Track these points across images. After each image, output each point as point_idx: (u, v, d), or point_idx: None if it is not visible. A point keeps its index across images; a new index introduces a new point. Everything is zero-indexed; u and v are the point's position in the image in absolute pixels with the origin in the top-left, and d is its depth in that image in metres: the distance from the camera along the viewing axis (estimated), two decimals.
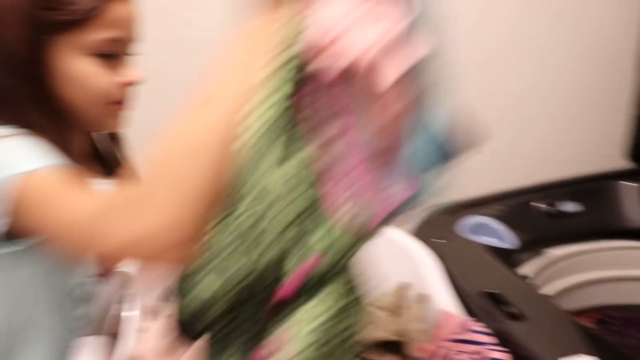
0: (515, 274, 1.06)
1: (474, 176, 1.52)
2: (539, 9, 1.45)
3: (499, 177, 1.53)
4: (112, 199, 0.55)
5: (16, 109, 0.68)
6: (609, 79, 1.54)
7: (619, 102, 1.54)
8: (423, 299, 0.93)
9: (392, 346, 0.93)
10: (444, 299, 0.89)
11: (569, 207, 1.32)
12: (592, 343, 0.80)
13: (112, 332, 0.73)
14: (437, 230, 1.20)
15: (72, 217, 0.56)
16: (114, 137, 0.85)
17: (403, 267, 1.02)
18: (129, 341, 0.77)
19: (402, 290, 1.00)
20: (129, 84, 0.74)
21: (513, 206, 1.33)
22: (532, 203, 1.33)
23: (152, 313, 0.89)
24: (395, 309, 0.98)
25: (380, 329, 0.92)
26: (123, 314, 0.79)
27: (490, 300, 0.91)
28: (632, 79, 1.36)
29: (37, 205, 0.61)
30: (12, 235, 0.64)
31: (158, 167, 0.51)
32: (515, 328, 0.83)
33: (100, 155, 0.85)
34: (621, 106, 1.53)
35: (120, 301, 0.77)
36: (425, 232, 1.20)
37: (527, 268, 1.19)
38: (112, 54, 0.71)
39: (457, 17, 1.34)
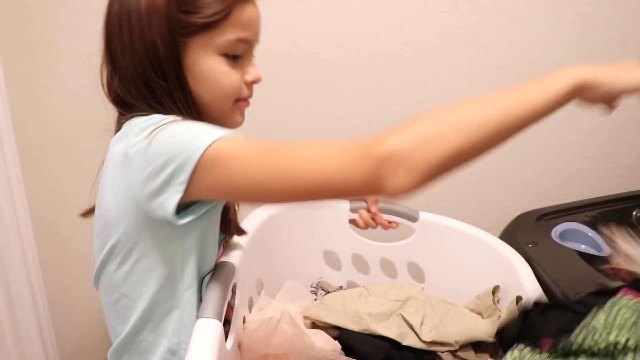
0: (609, 280, 1.02)
1: (571, 183, 1.51)
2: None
3: (599, 185, 1.53)
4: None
5: (165, 103, 0.75)
6: None
7: None
8: (518, 300, 0.94)
9: (487, 346, 0.94)
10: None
11: None
12: None
13: (226, 318, 0.79)
14: (529, 235, 1.20)
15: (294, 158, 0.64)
16: None
17: (498, 271, 1.03)
18: (237, 328, 0.83)
19: (497, 292, 1.01)
20: (254, 81, 0.81)
21: (608, 213, 1.30)
22: (629, 211, 1.30)
23: (249, 304, 0.95)
24: (490, 311, 0.99)
25: (476, 330, 0.94)
26: (234, 302, 0.85)
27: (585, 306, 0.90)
28: None
29: (228, 161, 0.66)
30: (181, 209, 0.70)
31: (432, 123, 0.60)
32: None
33: None
34: None
35: (232, 290, 0.83)
36: (518, 236, 1.21)
37: None
38: (239, 54, 0.78)
39: (563, 21, 1.34)
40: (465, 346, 0.93)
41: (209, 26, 0.74)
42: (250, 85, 0.81)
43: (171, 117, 0.72)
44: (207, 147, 0.65)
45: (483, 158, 0.62)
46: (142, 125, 0.71)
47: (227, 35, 0.75)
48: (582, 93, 0.66)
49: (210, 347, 0.68)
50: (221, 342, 0.71)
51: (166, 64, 0.73)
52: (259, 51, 0.84)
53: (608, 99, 0.69)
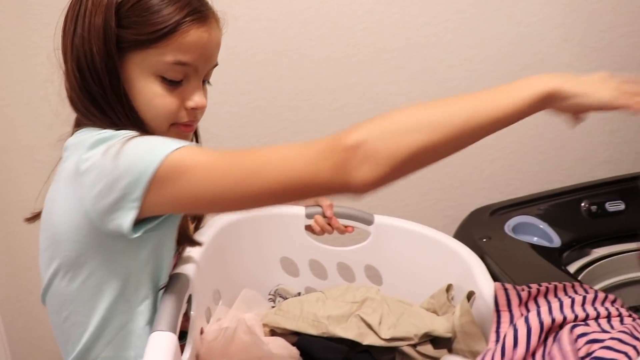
0: (557, 269, 1.07)
1: (523, 177, 1.55)
2: (583, 11, 1.46)
3: (549, 178, 1.57)
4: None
5: (105, 110, 0.74)
6: None
7: None
8: (470, 295, 0.96)
9: (444, 342, 0.96)
10: (490, 295, 0.92)
11: (614, 206, 1.32)
12: None
13: (183, 330, 0.79)
14: (483, 230, 1.23)
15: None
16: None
17: (453, 269, 1.05)
18: (194, 340, 0.83)
19: (450, 290, 1.04)
20: (194, 108, 0.78)
21: (559, 206, 1.34)
22: (577, 203, 1.33)
23: (207, 315, 0.95)
24: (445, 308, 1.01)
25: (433, 326, 0.96)
26: (190, 313, 0.85)
27: None
28: None
29: (185, 174, 0.66)
30: (137, 222, 0.69)
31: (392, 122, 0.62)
32: None
33: None
34: None
35: (188, 301, 0.83)
36: (471, 232, 1.24)
37: (572, 267, 1.19)
38: (179, 78, 0.76)
39: (509, 21, 1.37)
40: (423, 342, 0.95)
41: (144, 44, 0.73)
42: (191, 111, 0.79)
43: (124, 132, 0.71)
44: (162, 161, 0.65)
45: (447, 157, 0.65)
46: (94, 139, 0.70)
47: (165, 57, 0.73)
48: (552, 102, 0.67)
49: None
50: (176, 354, 0.71)
51: (102, 74, 0.73)
52: None
53: (577, 111, 0.71)
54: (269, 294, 1.14)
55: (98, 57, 0.72)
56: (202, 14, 0.75)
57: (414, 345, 0.94)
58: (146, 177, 0.64)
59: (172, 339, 0.70)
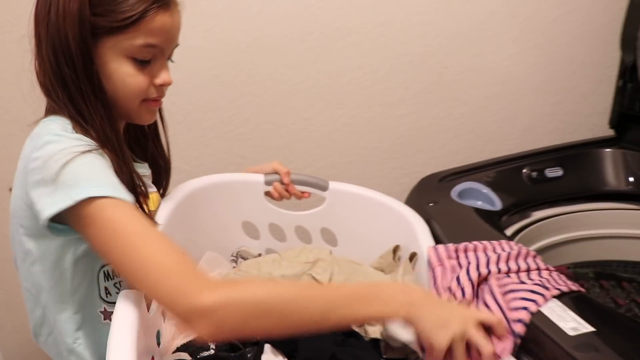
0: (494, 230, 1.14)
1: (473, 146, 1.64)
2: None
3: (498, 147, 1.66)
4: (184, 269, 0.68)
5: (74, 95, 0.80)
6: (596, 53, 1.63)
7: (605, 75, 1.64)
8: (413, 255, 1.05)
9: None
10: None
11: (553, 172, 1.42)
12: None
13: None
14: (431, 195, 1.30)
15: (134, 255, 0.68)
16: (149, 127, 0.99)
17: (400, 231, 1.13)
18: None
19: (397, 251, 1.12)
20: (162, 85, 0.87)
21: (502, 173, 1.41)
22: (519, 169, 1.41)
23: None
24: (392, 267, 1.11)
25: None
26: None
27: None
28: (617, 53, 1.46)
29: (97, 230, 0.71)
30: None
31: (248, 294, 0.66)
32: None
33: (137, 142, 0.99)
34: (607, 78, 1.63)
35: None
36: (420, 197, 1.31)
37: (513, 228, 1.27)
38: (148, 59, 0.83)
39: (463, 2, 1.46)
40: None
41: (116, 30, 0.79)
42: (159, 87, 0.87)
43: (74, 143, 0.76)
44: (85, 199, 0.70)
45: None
46: (45, 139, 0.76)
47: (135, 41, 0.81)
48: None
49: (133, 312, 0.73)
50: (143, 308, 0.77)
51: (76, 58, 0.78)
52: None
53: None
54: (232, 256, 1.21)
55: (73, 43, 0.78)
56: (165, 1, 0.83)
57: None
58: (66, 204, 0.70)
59: (138, 294, 0.76)
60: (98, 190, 0.71)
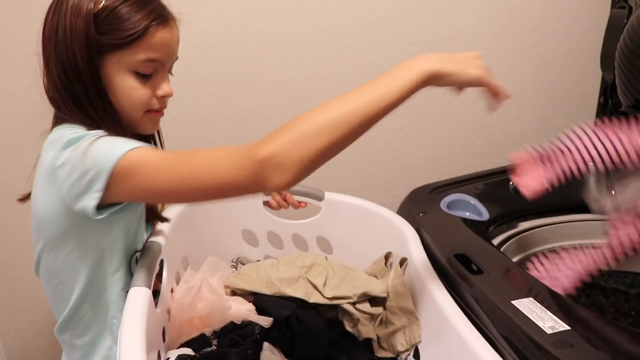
0: (480, 238, 1.19)
1: (463, 160, 1.70)
2: (515, 10, 1.62)
3: (487, 160, 1.73)
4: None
5: (86, 108, 0.86)
6: (579, 71, 1.70)
7: (589, 92, 1.71)
8: (403, 261, 1.10)
9: (380, 301, 1.10)
10: (420, 261, 1.06)
11: None
12: (538, 289, 0.95)
13: (156, 290, 0.92)
14: (421, 206, 1.34)
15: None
16: (147, 137, 1.03)
17: (392, 239, 1.18)
18: (166, 297, 0.96)
19: (389, 257, 1.17)
20: (164, 96, 0.92)
21: (490, 185, 1.45)
22: (506, 182, 1.44)
23: (176, 278, 1.08)
24: (383, 272, 1.16)
25: (371, 287, 1.10)
26: (163, 276, 0.98)
27: (458, 259, 1.07)
28: (599, 71, 1.52)
29: (138, 170, 0.76)
30: (101, 206, 0.80)
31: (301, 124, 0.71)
32: (477, 280, 0.98)
33: None
34: (591, 95, 1.70)
35: (160, 265, 0.96)
36: (411, 207, 1.35)
37: (500, 237, 1.31)
38: (150, 72, 0.89)
39: (449, 19, 1.52)
40: (362, 300, 1.09)
41: (120, 47, 0.85)
42: (161, 98, 0.93)
43: (94, 132, 0.83)
44: (118, 159, 0.76)
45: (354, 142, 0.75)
46: (68, 138, 0.81)
47: (138, 56, 0.86)
48: (431, 82, 0.78)
49: (142, 310, 0.79)
50: (151, 306, 0.83)
51: (85, 75, 0.84)
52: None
53: (454, 86, 0.83)
54: (232, 262, 1.26)
55: (81, 61, 0.83)
56: (164, 18, 0.89)
57: (353, 304, 1.08)
58: (106, 172, 0.76)
59: (147, 292, 0.83)
60: (130, 145, 0.77)
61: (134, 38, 0.85)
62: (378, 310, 1.08)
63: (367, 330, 1.01)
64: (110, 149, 0.77)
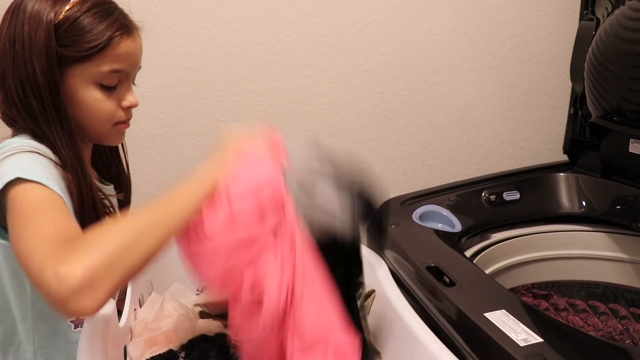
0: (453, 250, 1.18)
1: (435, 171, 1.69)
2: (486, 22, 1.63)
3: (459, 172, 1.72)
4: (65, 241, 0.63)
5: (41, 124, 0.82)
6: (549, 82, 1.72)
7: (559, 103, 1.73)
8: (370, 293, 1.05)
9: None
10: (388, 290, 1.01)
11: (511, 196, 1.47)
12: (511, 301, 0.94)
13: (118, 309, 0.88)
14: (393, 218, 1.33)
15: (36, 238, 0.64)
16: (110, 149, 1.01)
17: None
18: (128, 316, 0.93)
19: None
20: (129, 107, 0.90)
21: (462, 196, 1.45)
22: (479, 193, 1.46)
23: (140, 301, 1.05)
24: None
25: None
26: (127, 294, 0.95)
27: (430, 272, 1.06)
28: (569, 82, 1.53)
29: (12, 210, 0.69)
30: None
31: (109, 234, 0.63)
32: (449, 292, 0.96)
33: (102, 163, 1.01)
34: (561, 106, 1.72)
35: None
36: (383, 220, 1.34)
37: (472, 249, 1.31)
38: (114, 84, 0.86)
39: (420, 30, 1.52)
40: None
41: (83, 59, 0.82)
42: (127, 109, 0.90)
43: (11, 149, 0.76)
44: (12, 180, 0.70)
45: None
46: (1, 147, 0.78)
47: (101, 68, 0.83)
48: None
49: (105, 322, 0.75)
50: (114, 319, 0.80)
51: (43, 89, 0.80)
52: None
53: None
54: (197, 290, 1.22)
55: (41, 75, 0.80)
56: (128, 28, 0.86)
57: None
58: None
59: (111, 303, 0.78)
60: (29, 175, 0.71)
61: (98, 50, 0.82)
62: None
63: None
64: (8, 171, 0.72)
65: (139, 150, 1.52)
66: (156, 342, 0.93)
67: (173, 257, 1.17)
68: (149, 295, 1.09)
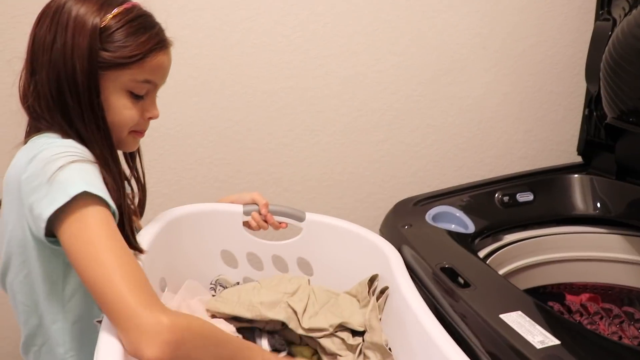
0: (467, 251, 1.18)
1: (447, 172, 1.69)
2: (499, 22, 1.61)
3: (471, 173, 1.72)
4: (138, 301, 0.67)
5: (74, 122, 0.83)
6: (563, 83, 1.70)
7: (573, 104, 1.71)
8: (384, 290, 1.07)
9: (360, 333, 1.06)
10: (403, 283, 1.02)
11: (524, 197, 1.46)
12: (526, 303, 0.93)
13: None
14: (406, 218, 1.34)
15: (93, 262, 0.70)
16: (132, 155, 1.03)
17: (375, 261, 1.14)
18: None
19: (375, 280, 1.12)
20: (151, 118, 0.92)
21: (475, 197, 1.45)
22: (492, 194, 1.46)
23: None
24: (365, 302, 1.10)
25: (350, 319, 1.06)
26: None
27: (444, 273, 1.05)
28: (584, 83, 1.52)
29: (78, 228, 0.72)
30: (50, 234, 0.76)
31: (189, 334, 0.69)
32: (464, 293, 0.97)
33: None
34: (575, 107, 1.71)
35: None
36: (395, 220, 1.35)
37: (485, 250, 1.30)
38: (142, 94, 0.88)
39: (432, 31, 1.52)
40: (342, 329, 1.05)
41: (120, 66, 0.84)
42: (147, 120, 0.92)
43: (66, 155, 0.77)
44: (80, 193, 0.72)
45: None
46: (40, 148, 0.78)
47: (136, 76, 0.85)
48: None
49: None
50: None
51: (82, 90, 0.81)
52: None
53: None
54: (211, 284, 1.22)
55: (81, 75, 0.81)
56: (165, 42, 0.90)
57: (331, 334, 1.04)
58: (64, 200, 0.71)
59: None
60: (92, 188, 0.73)
61: (137, 59, 0.85)
62: (358, 340, 1.04)
63: None
64: (71, 183, 0.73)
65: (151, 150, 1.52)
66: None
67: (185, 254, 1.19)
68: (162, 292, 1.09)
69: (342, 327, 1.05)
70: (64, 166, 0.74)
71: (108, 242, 0.71)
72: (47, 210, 0.72)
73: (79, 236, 0.72)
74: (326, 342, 1.03)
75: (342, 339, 1.04)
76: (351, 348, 1.03)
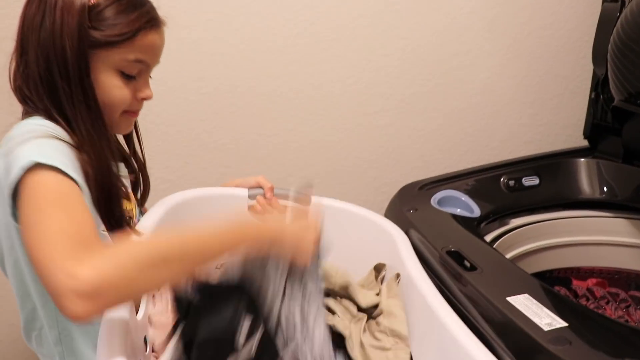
0: (472, 235, 1.18)
1: (452, 156, 1.68)
2: (505, 4, 1.60)
3: (476, 157, 1.71)
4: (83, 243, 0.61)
5: (62, 103, 0.81)
6: (569, 67, 1.69)
7: (579, 88, 1.70)
8: (396, 277, 1.06)
9: (364, 310, 1.05)
10: (412, 266, 1.02)
11: (530, 181, 1.46)
12: (533, 286, 0.93)
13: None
14: (411, 203, 1.33)
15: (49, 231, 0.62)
16: (126, 137, 1.02)
17: (382, 246, 1.13)
18: (146, 304, 0.92)
19: (382, 269, 1.12)
20: (144, 99, 0.90)
21: (481, 181, 1.45)
22: (497, 178, 1.45)
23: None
24: (372, 286, 1.10)
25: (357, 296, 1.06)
26: None
27: (450, 256, 1.05)
28: (590, 66, 1.51)
29: (28, 196, 0.67)
30: None
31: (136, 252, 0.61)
32: (471, 276, 0.96)
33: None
34: (581, 91, 1.69)
35: None
36: (401, 205, 1.34)
37: (491, 235, 1.30)
38: (134, 73, 0.87)
39: (438, 14, 1.50)
40: (347, 297, 1.05)
41: (110, 44, 0.82)
42: (140, 101, 0.91)
43: (29, 132, 0.75)
44: (33, 165, 0.68)
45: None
46: (18, 128, 0.77)
47: (127, 55, 0.84)
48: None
49: (122, 316, 0.73)
50: (132, 312, 0.78)
51: (71, 68, 0.80)
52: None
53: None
54: (215, 268, 1.22)
55: (70, 53, 0.79)
56: (156, 21, 0.87)
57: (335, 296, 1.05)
58: (15, 179, 0.69)
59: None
60: (48, 160, 0.69)
61: (127, 37, 0.83)
62: (361, 315, 1.04)
63: (343, 324, 0.98)
64: (27, 155, 0.70)
65: (155, 136, 1.52)
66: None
67: None
68: None
69: (347, 294, 1.06)
70: (22, 142, 0.72)
71: (52, 208, 0.65)
72: (8, 189, 0.70)
73: (29, 205, 0.67)
74: (330, 302, 1.04)
75: (346, 307, 1.05)
76: (353, 319, 1.03)
